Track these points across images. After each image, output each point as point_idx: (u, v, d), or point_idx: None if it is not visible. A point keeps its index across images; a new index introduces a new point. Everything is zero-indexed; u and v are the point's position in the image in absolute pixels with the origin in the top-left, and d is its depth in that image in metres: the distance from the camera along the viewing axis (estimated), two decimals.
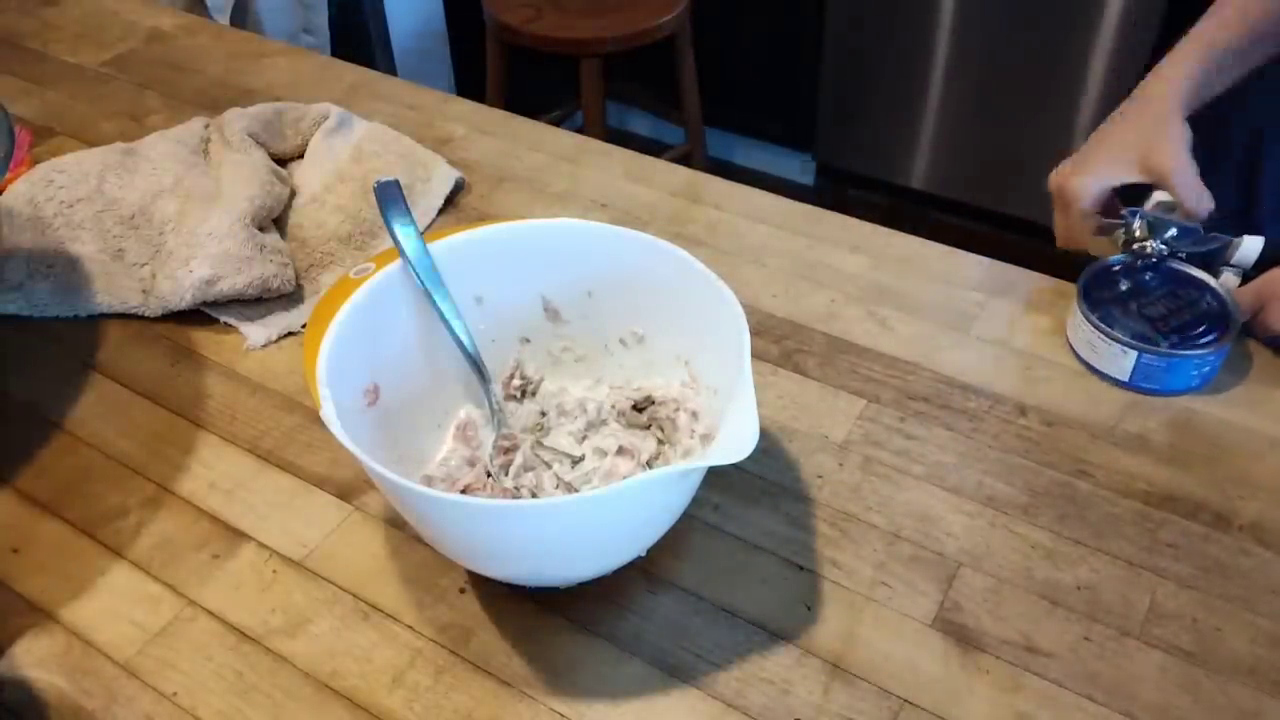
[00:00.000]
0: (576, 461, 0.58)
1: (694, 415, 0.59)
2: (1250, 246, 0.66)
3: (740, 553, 0.56)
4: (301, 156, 0.84)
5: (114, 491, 0.60)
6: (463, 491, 0.56)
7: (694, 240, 0.77)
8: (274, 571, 0.56)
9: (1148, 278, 0.67)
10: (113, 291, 0.71)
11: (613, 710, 0.50)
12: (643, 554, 0.53)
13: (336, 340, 0.51)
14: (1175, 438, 0.62)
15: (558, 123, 1.71)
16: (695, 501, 0.55)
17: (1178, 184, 0.65)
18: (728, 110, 2.16)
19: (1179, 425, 0.63)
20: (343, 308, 0.53)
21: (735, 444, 0.45)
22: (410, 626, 0.53)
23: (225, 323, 0.71)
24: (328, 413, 0.48)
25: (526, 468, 0.57)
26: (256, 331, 0.70)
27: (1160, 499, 0.58)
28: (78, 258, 0.73)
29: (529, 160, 0.86)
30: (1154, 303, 0.66)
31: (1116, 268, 0.68)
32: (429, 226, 0.79)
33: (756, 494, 0.59)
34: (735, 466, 0.45)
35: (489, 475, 0.57)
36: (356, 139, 0.82)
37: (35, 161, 0.81)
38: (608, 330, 0.61)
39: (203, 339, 0.70)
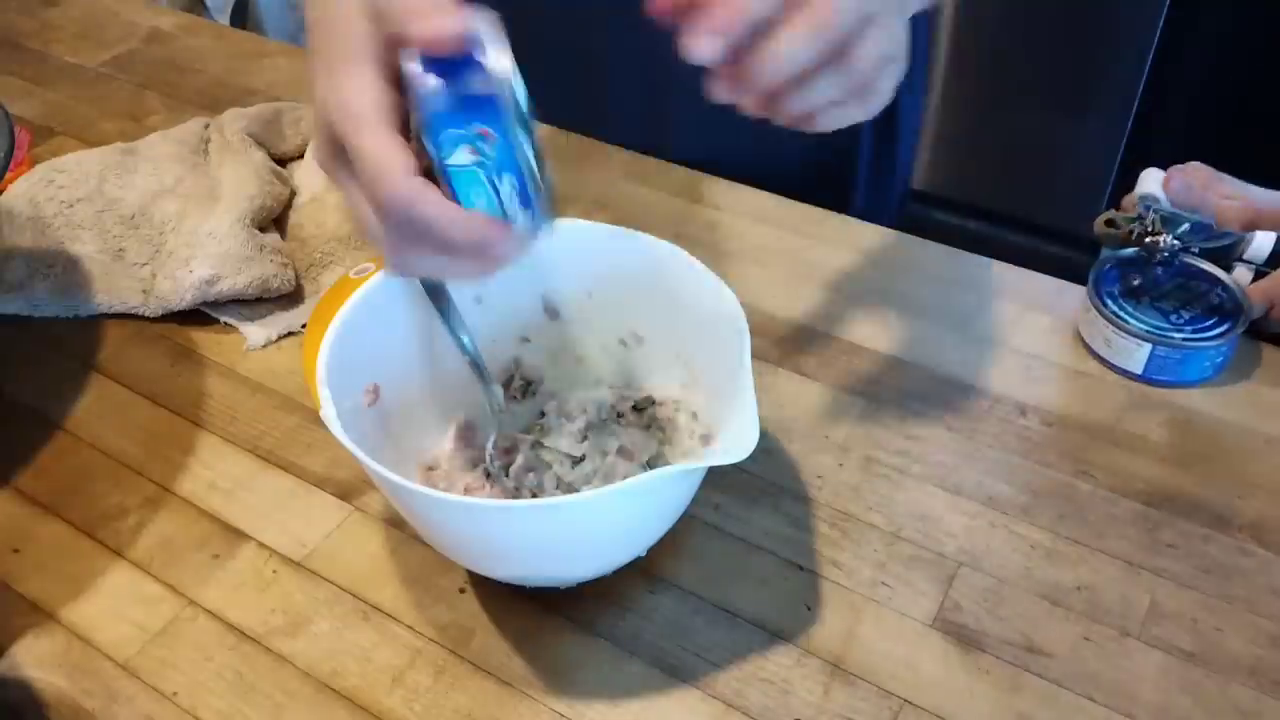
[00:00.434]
0: (576, 462, 0.58)
1: (694, 415, 0.59)
2: (1263, 242, 0.66)
3: (740, 553, 0.56)
4: (301, 156, 0.84)
5: (114, 491, 0.60)
6: (463, 491, 0.56)
7: (694, 240, 0.76)
8: (274, 571, 0.56)
9: (1158, 271, 0.67)
10: (113, 291, 0.71)
11: (613, 710, 0.50)
12: (642, 554, 0.53)
13: (336, 340, 0.51)
14: (1175, 438, 0.62)
15: None
16: (695, 501, 0.55)
17: None
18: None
19: (1179, 425, 0.63)
20: (343, 308, 0.53)
21: (735, 444, 0.45)
22: (410, 626, 0.53)
23: (225, 323, 0.71)
24: (328, 413, 0.48)
25: (527, 468, 0.57)
26: (256, 331, 0.70)
27: (1160, 499, 0.58)
28: (78, 258, 0.73)
29: None
30: (1165, 296, 0.66)
31: (1126, 263, 0.68)
32: None
33: (756, 494, 0.59)
34: (735, 466, 0.45)
35: (489, 475, 0.57)
36: None
37: (35, 161, 0.81)
38: (608, 330, 0.61)
39: (203, 339, 0.70)
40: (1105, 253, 0.69)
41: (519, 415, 0.61)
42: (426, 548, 0.56)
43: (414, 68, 0.41)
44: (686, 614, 0.53)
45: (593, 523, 0.48)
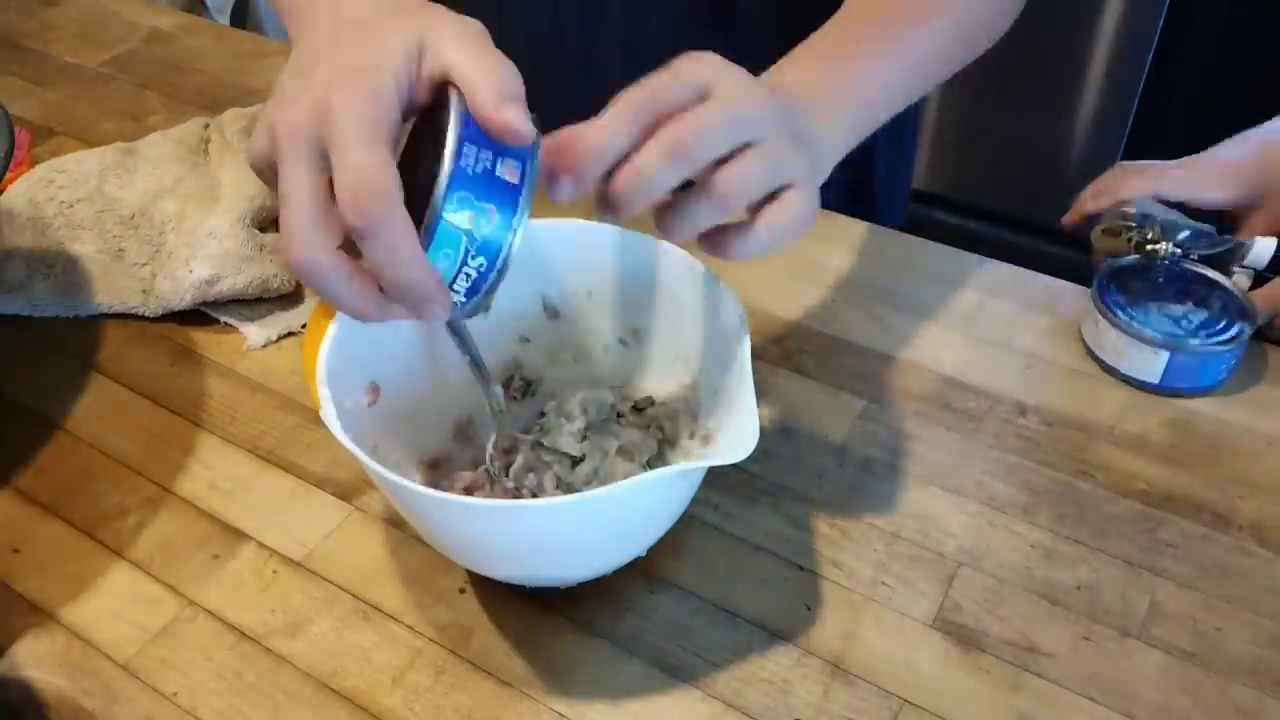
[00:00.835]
0: (577, 462, 0.58)
1: (694, 415, 0.58)
2: (1263, 248, 0.66)
3: (740, 553, 0.56)
4: None
5: (114, 491, 0.60)
6: (463, 491, 0.56)
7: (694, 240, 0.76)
8: (274, 571, 0.56)
9: (1159, 279, 0.67)
10: (113, 291, 0.71)
11: (613, 710, 0.50)
12: (642, 554, 0.53)
13: (336, 340, 0.51)
14: (1175, 438, 0.62)
15: None
16: (695, 501, 0.55)
17: None
18: None
19: (1179, 425, 0.63)
20: None
21: (735, 444, 0.45)
22: (410, 626, 0.53)
23: (225, 323, 0.71)
24: (328, 413, 0.48)
25: (527, 468, 0.57)
26: (256, 331, 0.70)
27: (1160, 499, 0.58)
28: (78, 258, 0.73)
29: None
30: (1170, 303, 0.65)
31: (1126, 271, 0.67)
32: None
33: (756, 494, 0.59)
34: (735, 466, 0.45)
35: (489, 476, 0.57)
36: None
37: (35, 161, 0.81)
38: (608, 330, 0.61)
39: (203, 339, 0.70)
40: (1105, 261, 0.69)
41: (519, 415, 0.61)
42: (426, 548, 0.56)
43: (464, 118, 0.41)
44: (686, 614, 0.53)
45: (593, 523, 0.48)
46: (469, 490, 0.56)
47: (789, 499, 0.59)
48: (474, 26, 0.43)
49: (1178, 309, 0.65)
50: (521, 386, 0.62)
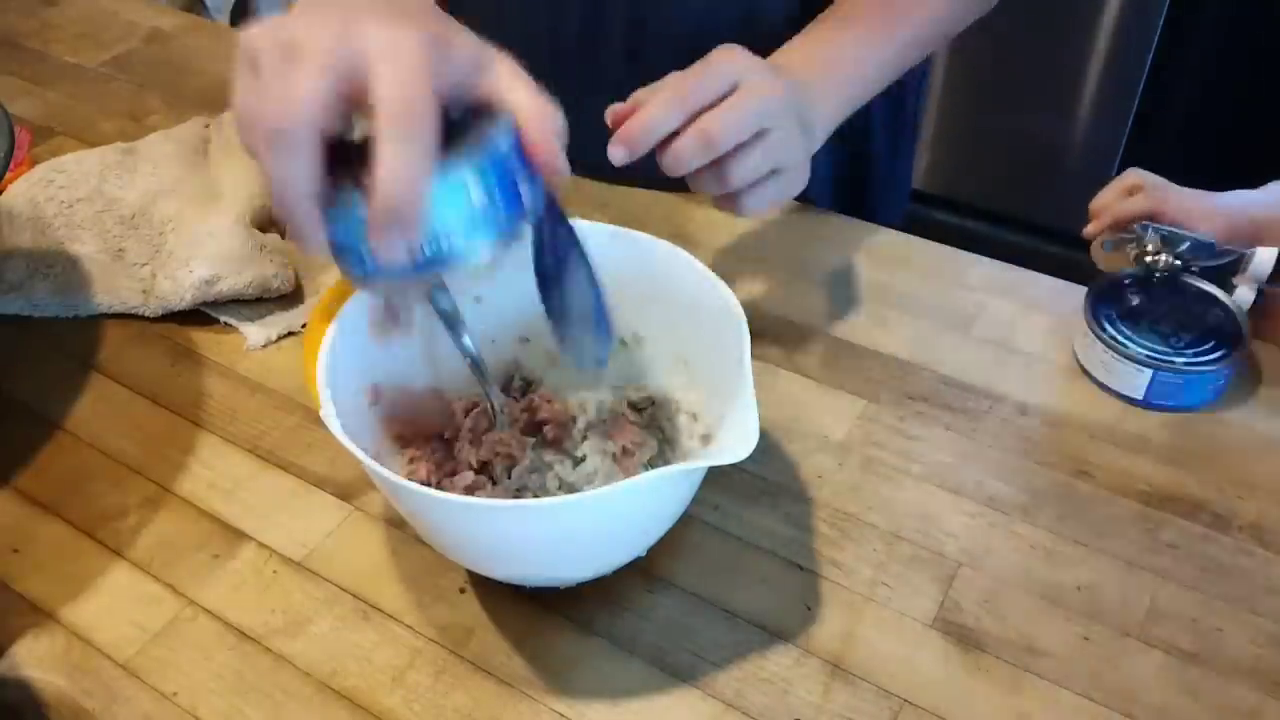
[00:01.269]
0: (577, 462, 0.58)
1: (694, 415, 0.59)
2: (1264, 260, 0.65)
3: (740, 553, 0.56)
4: None
5: (114, 491, 0.60)
6: (463, 492, 0.56)
7: (694, 240, 0.76)
8: (274, 571, 0.56)
9: (1156, 292, 0.66)
10: (113, 291, 0.71)
11: (613, 710, 0.50)
12: (642, 554, 0.53)
13: (336, 340, 0.51)
14: (1175, 438, 0.62)
15: None
16: (695, 501, 0.55)
17: None
18: None
19: (1179, 425, 0.63)
20: (343, 308, 0.53)
21: (735, 444, 0.45)
22: (410, 626, 0.53)
23: (225, 323, 0.71)
24: (328, 413, 0.48)
25: (528, 469, 0.57)
26: (256, 331, 0.70)
27: (1160, 499, 0.58)
28: (78, 258, 0.73)
29: None
30: (1163, 318, 0.65)
31: (1124, 283, 0.67)
32: None
33: (756, 494, 0.59)
34: (735, 466, 0.45)
35: (490, 475, 0.57)
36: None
37: (35, 161, 0.81)
38: None
39: (203, 339, 0.70)
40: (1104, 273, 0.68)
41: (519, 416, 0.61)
42: (426, 548, 0.56)
43: (511, 134, 0.42)
44: (686, 614, 0.53)
45: (593, 523, 0.48)
46: (469, 490, 0.56)
47: (789, 499, 0.59)
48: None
49: (1170, 325, 0.64)
50: (521, 386, 0.62)
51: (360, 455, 0.46)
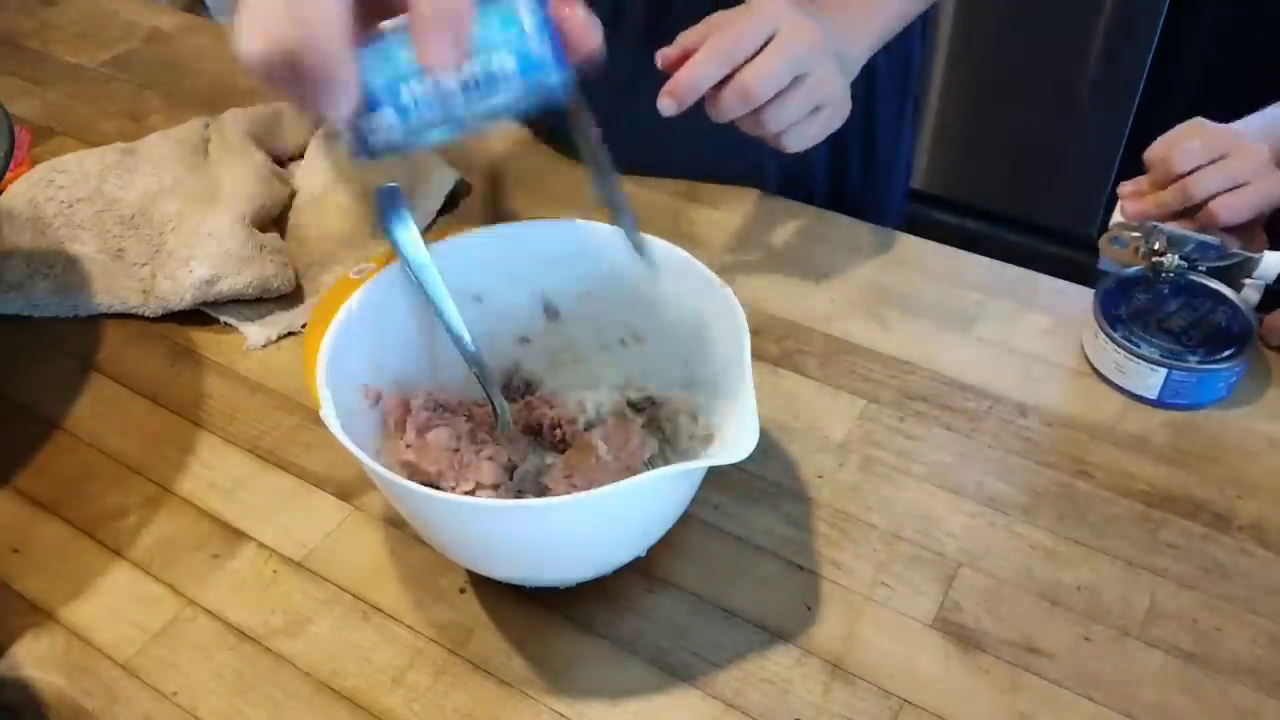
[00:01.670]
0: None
1: (694, 415, 0.58)
2: (1272, 261, 0.65)
3: (740, 553, 0.56)
4: (301, 156, 0.84)
5: (114, 491, 0.60)
6: (463, 492, 0.56)
7: (694, 240, 0.76)
8: (274, 571, 0.56)
9: (1163, 291, 0.66)
10: (113, 291, 0.71)
11: (612, 710, 0.50)
12: (642, 554, 0.53)
13: (336, 340, 0.51)
14: (1175, 438, 0.62)
15: None
16: (695, 501, 0.55)
17: None
18: None
19: (1179, 425, 0.63)
20: (343, 308, 0.53)
21: (735, 444, 0.45)
22: (410, 626, 0.53)
23: (225, 323, 0.71)
24: (328, 413, 0.48)
25: (528, 469, 0.57)
26: (256, 331, 0.70)
27: (1160, 499, 0.58)
28: (78, 258, 0.73)
29: (528, 161, 0.86)
30: (1172, 317, 0.64)
31: (1131, 282, 0.67)
32: (428, 227, 0.78)
33: (756, 494, 0.59)
34: (735, 466, 0.45)
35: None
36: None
37: (35, 161, 0.81)
38: (608, 330, 0.61)
39: (203, 339, 0.70)
40: (1107, 267, 0.68)
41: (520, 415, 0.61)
42: (426, 548, 0.56)
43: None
44: (686, 614, 0.53)
45: (593, 523, 0.48)
46: (469, 491, 0.56)
47: (789, 499, 0.59)
48: None
49: (1180, 324, 0.64)
50: (521, 387, 0.62)
51: (360, 455, 0.46)
